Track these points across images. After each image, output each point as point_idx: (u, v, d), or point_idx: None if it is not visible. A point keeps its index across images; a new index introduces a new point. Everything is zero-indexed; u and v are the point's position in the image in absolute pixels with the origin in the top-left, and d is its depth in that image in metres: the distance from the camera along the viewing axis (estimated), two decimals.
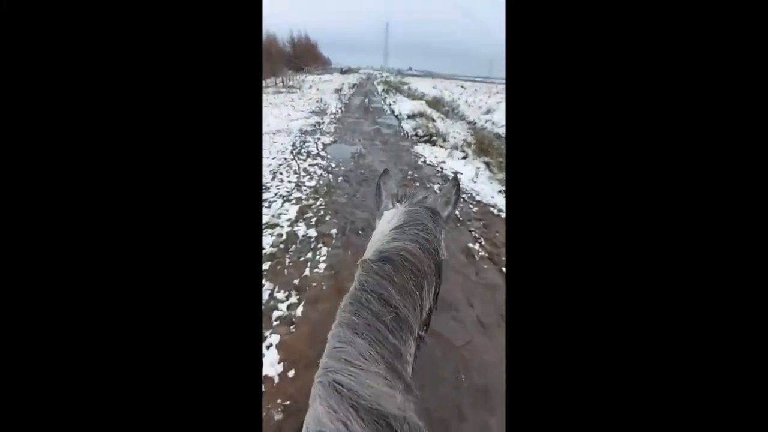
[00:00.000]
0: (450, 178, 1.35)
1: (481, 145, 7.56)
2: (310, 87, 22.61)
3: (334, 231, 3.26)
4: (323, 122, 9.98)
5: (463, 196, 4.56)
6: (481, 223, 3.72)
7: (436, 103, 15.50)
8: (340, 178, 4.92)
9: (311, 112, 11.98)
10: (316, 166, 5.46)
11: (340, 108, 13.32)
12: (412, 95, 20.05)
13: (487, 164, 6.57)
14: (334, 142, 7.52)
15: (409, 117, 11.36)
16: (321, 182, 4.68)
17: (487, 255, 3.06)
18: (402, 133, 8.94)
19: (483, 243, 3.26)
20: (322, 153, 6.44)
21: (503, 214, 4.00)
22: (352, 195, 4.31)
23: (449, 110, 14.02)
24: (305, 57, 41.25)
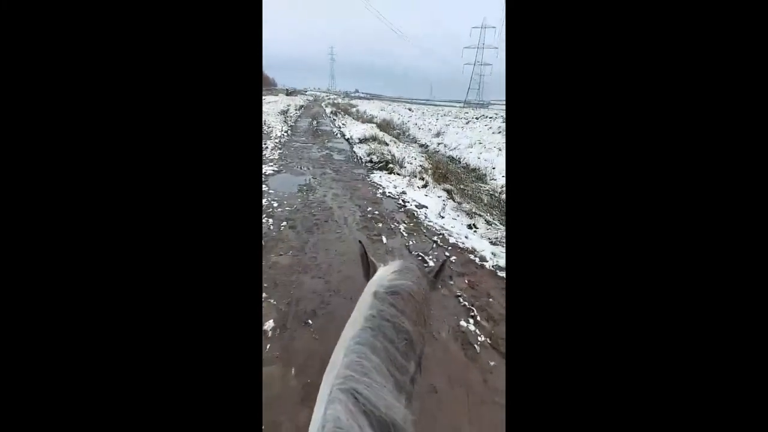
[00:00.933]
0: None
1: (438, 171, 7.03)
2: None
3: (269, 324, 2.12)
4: (266, 147, 8.76)
5: (435, 238, 3.77)
6: (465, 279, 2.92)
7: (386, 126, 15.07)
8: (284, 224, 3.82)
9: None
10: None
11: (286, 131, 12.13)
12: (361, 117, 19.56)
13: (449, 192, 5.97)
14: (278, 171, 6.39)
15: (361, 141, 10.60)
16: None
17: (489, 341, 2.13)
18: (355, 159, 8.09)
19: (479, 318, 2.36)
20: (264, 186, 5.27)
21: (486, 264, 3.26)
22: (299, 249, 3.24)
23: (400, 133, 13.63)
24: None
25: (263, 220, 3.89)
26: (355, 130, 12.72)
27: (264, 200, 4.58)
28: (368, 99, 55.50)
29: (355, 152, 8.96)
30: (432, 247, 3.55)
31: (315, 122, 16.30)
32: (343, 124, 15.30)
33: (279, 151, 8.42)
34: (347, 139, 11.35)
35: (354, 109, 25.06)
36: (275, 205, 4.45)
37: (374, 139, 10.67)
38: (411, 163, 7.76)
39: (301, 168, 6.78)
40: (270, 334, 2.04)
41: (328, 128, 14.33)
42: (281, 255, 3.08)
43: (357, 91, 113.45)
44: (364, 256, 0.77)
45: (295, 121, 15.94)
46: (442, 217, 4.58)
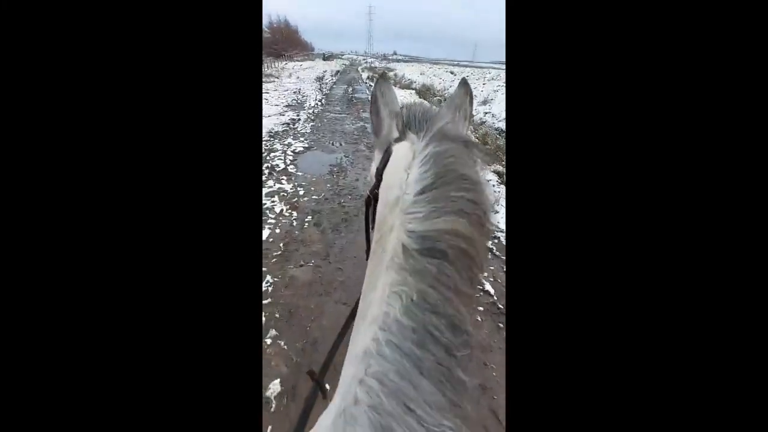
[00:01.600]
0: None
1: (485, 147, 5.97)
2: (290, 75, 20.23)
3: (274, 386, 1.50)
4: (299, 119, 8.14)
5: (489, 245, 3.01)
6: None
7: (426, 92, 13.64)
8: (308, 219, 3.24)
9: (287, 107, 10.06)
10: (276, 197, 3.70)
11: (320, 100, 11.35)
12: (400, 82, 18.06)
13: (500, 175, 4.99)
14: (309, 148, 5.78)
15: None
16: (278, 231, 2.99)
17: None
18: None
19: None
20: (290, 168, 4.71)
21: None
22: (323, 257, 2.66)
23: (441, 100, 12.24)
24: (285, 43, 38.14)
25: (287, 213, 3.34)
26: None
27: (289, 186, 4.02)
28: (407, 62, 51.79)
29: None
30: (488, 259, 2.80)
31: (350, 89, 15.26)
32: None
33: (312, 123, 7.76)
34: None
35: (391, 73, 23.31)
36: (301, 192, 3.86)
37: None
38: None
39: (333, 144, 6.10)
40: (274, 404, 1.44)
41: (363, 95, 13.27)
42: (301, 266, 2.52)
43: (395, 54, 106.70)
44: (375, 102, 0.54)
45: (330, 88, 15.02)
46: (496, 212, 3.73)
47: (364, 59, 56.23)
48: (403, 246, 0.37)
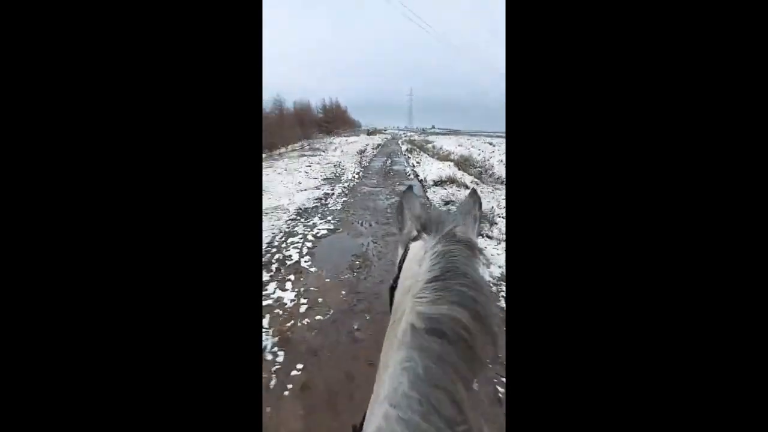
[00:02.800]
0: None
1: None
2: (336, 149, 21.38)
3: None
4: (332, 194, 7.66)
5: None
6: None
7: (464, 163, 13.04)
8: (298, 368, 2.03)
9: (324, 180, 9.87)
10: (267, 316, 2.63)
11: (358, 173, 11.15)
12: (438, 154, 17.95)
13: None
14: (334, 230, 4.98)
15: (436, 183, 8.81)
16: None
17: None
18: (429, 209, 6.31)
19: None
20: (305, 261, 3.82)
21: None
22: None
23: (482, 172, 11.42)
24: (336, 121, 42.27)
25: (271, 354, 2.27)
26: (429, 169, 11.04)
27: (292, 295, 3.01)
28: (445, 134, 54.36)
29: (428, 198, 7.17)
30: None
31: (389, 161, 15.28)
32: (417, 163, 13.86)
33: (344, 198, 7.18)
34: (420, 181, 9.70)
35: (430, 146, 23.74)
36: (303, 309, 2.76)
37: (451, 181, 8.76)
38: (503, 217, 5.56)
39: (362, 224, 5.25)
40: None
41: (401, 167, 13.00)
42: None
43: (434, 127, 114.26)
44: (401, 208, 0.60)
45: (370, 161, 15.17)
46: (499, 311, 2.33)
47: (404, 133, 60.26)
48: (412, 325, 0.40)
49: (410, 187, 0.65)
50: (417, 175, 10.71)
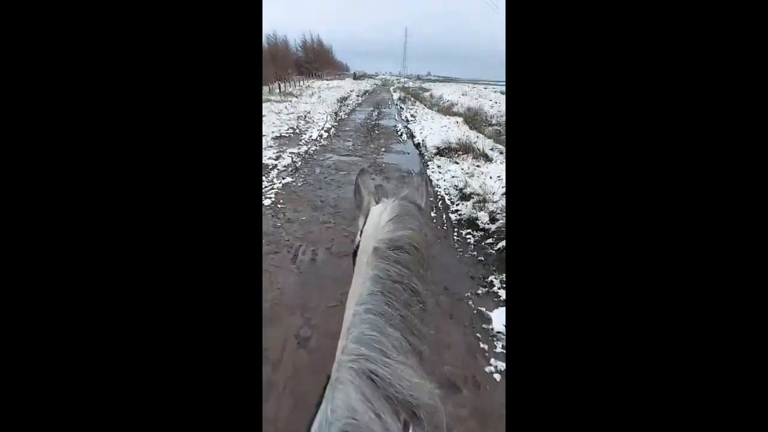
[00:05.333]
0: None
1: None
2: (312, 95, 17.27)
3: None
4: (275, 166, 4.60)
5: None
6: None
7: (475, 119, 9.75)
8: None
9: (274, 139, 6.63)
10: None
11: (328, 129, 7.81)
12: (437, 105, 14.28)
13: None
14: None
15: (441, 152, 5.73)
16: None
17: None
18: (436, 210, 3.37)
19: None
20: None
21: None
22: None
23: (501, 131, 8.25)
24: (318, 62, 36.29)
25: None
26: (429, 127, 7.79)
27: None
28: (442, 82, 48.42)
29: (432, 182, 4.21)
30: None
31: (376, 113, 11.72)
32: (412, 116, 10.43)
33: (286, 179, 4.15)
34: (417, 145, 6.58)
35: (426, 94, 19.72)
36: None
37: (466, 149, 5.67)
38: None
39: (302, 259, 2.38)
40: None
41: (391, 122, 9.63)
42: None
43: (429, 74, 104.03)
44: (358, 187, 0.66)
45: (351, 111, 11.58)
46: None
47: (397, 79, 53.65)
48: (374, 248, 0.46)
49: (363, 169, 0.69)
50: (413, 136, 7.47)
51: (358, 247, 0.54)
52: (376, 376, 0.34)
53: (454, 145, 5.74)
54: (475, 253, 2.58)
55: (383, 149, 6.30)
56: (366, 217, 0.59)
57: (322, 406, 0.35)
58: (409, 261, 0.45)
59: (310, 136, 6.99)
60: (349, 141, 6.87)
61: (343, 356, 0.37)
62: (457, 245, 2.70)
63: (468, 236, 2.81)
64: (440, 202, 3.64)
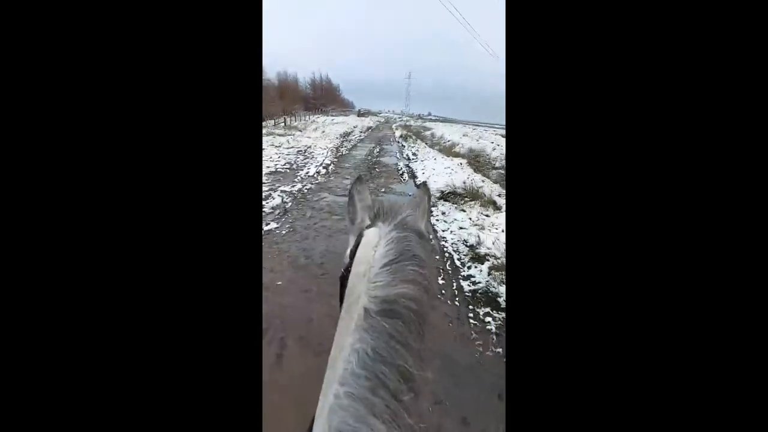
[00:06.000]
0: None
1: None
2: (316, 129, 17.43)
3: None
4: (270, 205, 4.10)
5: None
6: None
7: (477, 160, 9.51)
8: None
9: (269, 174, 6.25)
10: None
11: (328, 165, 7.46)
12: (439, 144, 14.28)
13: None
14: None
15: (446, 196, 5.27)
16: None
17: None
18: (445, 279, 2.77)
19: None
20: None
21: None
22: None
23: (503, 173, 7.93)
24: (325, 99, 37.74)
25: None
26: (431, 167, 7.45)
27: None
28: (443, 122, 50.02)
29: (437, 233, 3.65)
30: None
31: (378, 149, 11.56)
32: (413, 155, 10.21)
33: (272, 224, 3.62)
34: (419, 186, 6.16)
35: (428, 133, 20.00)
36: None
37: (472, 195, 5.21)
38: None
39: (264, 355, 1.73)
40: None
41: (392, 160, 9.36)
42: None
43: (430, 114, 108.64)
44: (352, 198, 0.58)
45: (353, 147, 11.41)
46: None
47: (399, 117, 55.63)
48: (365, 309, 0.41)
49: (360, 177, 0.61)
50: (414, 176, 7.09)
51: (347, 269, 0.48)
52: None
53: (459, 190, 5.29)
54: (500, 350, 1.93)
55: (383, 189, 5.87)
56: (358, 237, 0.51)
57: None
58: (405, 332, 0.39)
59: (307, 173, 6.60)
60: (347, 179, 6.46)
61: None
62: (473, 333, 2.05)
63: (487, 319, 2.18)
64: (448, 261, 3.06)
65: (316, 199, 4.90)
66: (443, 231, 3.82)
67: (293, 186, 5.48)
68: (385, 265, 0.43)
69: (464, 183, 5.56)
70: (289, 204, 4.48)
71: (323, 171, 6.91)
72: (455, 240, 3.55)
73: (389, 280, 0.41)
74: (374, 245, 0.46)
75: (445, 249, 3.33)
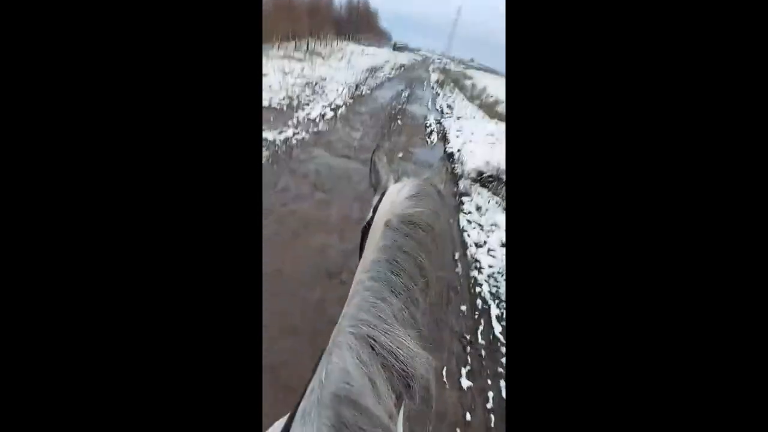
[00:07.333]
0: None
1: None
2: (342, 58, 14.91)
3: None
4: None
5: None
6: None
7: None
8: None
9: (264, 108, 4.72)
10: None
11: (337, 107, 5.79)
12: (479, 98, 11.85)
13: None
14: None
15: (482, 179, 3.71)
16: None
17: None
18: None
19: None
20: None
21: None
22: None
23: None
24: (359, 24, 32.98)
25: None
26: (468, 130, 5.64)
27: None
28: (486, 72, 43.80)
29: (466, 247, 2.29)
30: None
31: (406, 93, 9.48)
32: (448, 107, 8.20)
33: None
34: (449, 156, 4.56)
35: (468, 82, 17.02)
36: None
37: None
38: None
39: None
40: None
41: (421, 110, 7.48)
42: None
43: (473, 61, 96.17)
44: (374, 164, 0.62)
45: (377, 87, 9.34)
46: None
47: (439, 59, 49.04)
48: (387, 221, 0.45)
49: (379, 146, 0.61)
50: (445, 138, 5.39)
51: (369, 223, 0.52)
52: (375, 342, 0.34)
53: (504, 174, 3.69)
54: None
55: (400, 153, 4.31)
56: (382, 195, 0.56)
57: (318, 370, 0.35)
58: (421, 237, 0.43)
59: (307, 114, 5.01)
60: (357, 131, 4.88)
61: (343, 321, 0.37)
62: None
63: None
64: (481, 324, 1.74)
65: (303, 157, 3.47)
66: (477, 247, 2.41)
67: (281, 132, 4.00)
68: (406, 198, 0.48)
69: None
70: (264, 160, 3.11)
71: (329, 114, 5.29)
72: (496, 272, 2.15)
73: (409, 204, 0.46)
74: (398, 191, 0.51)
75: (479, 288, 1.98)
